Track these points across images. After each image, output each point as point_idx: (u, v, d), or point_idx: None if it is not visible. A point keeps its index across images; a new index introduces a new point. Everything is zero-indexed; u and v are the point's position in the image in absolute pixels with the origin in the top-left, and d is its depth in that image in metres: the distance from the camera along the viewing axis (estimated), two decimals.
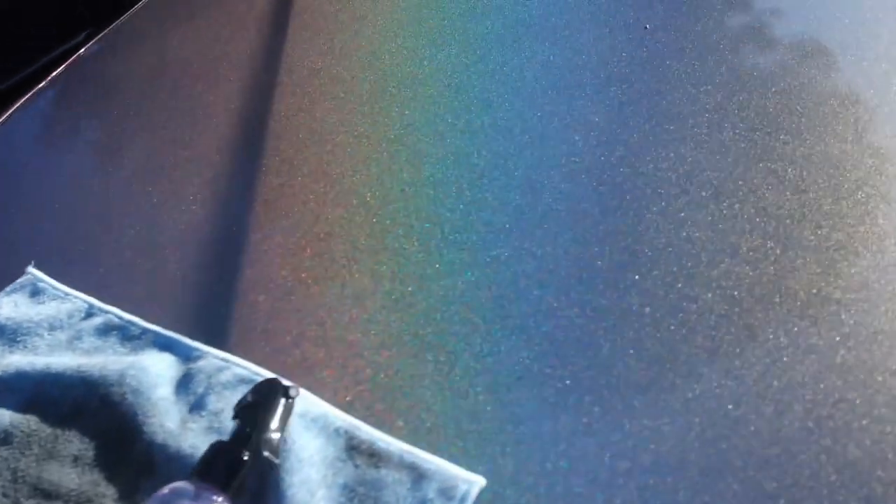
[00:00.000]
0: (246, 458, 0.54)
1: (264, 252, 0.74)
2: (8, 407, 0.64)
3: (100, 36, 1.21)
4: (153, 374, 0.63)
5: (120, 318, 0.70)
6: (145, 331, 0.68)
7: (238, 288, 0.71)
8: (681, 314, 0.60)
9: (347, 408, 0.59)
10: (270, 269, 0.72)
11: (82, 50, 1.19)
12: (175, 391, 0.63)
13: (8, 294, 0.74)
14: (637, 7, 0.97)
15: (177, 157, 0.89)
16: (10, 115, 1.08)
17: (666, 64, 0.86)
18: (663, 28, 0.93)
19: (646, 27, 0.93)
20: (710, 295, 0.61)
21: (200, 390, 0.62)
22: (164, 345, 0.66)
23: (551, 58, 0.91)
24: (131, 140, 0.97)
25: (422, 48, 0.97)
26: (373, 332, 0.64)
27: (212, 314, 0.69)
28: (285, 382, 0.59)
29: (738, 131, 0.76)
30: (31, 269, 0.76)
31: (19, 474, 0.59)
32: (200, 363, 0.64)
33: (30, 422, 0.63)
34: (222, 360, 0.64)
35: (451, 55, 0.94)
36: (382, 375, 0.61)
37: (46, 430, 0.62)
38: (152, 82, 1.06)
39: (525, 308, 0.63)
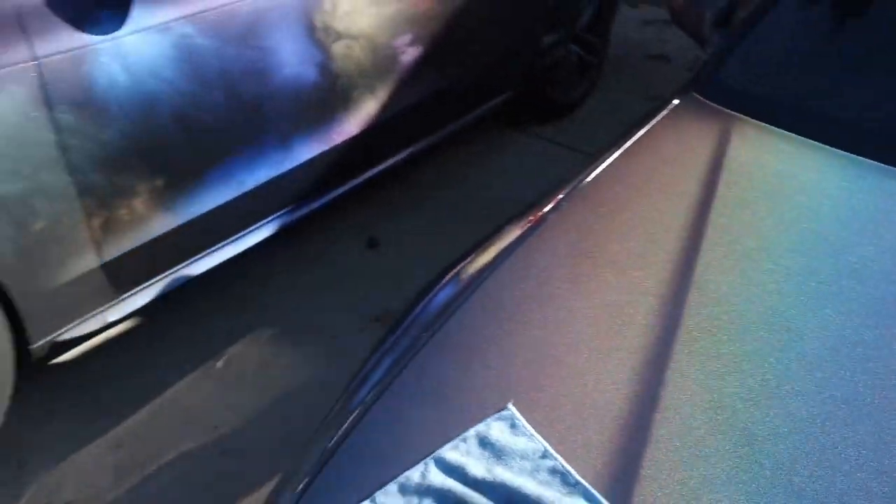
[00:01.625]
0: None
1: (678, 449, 1.08)
2: None
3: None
4: None
5: (563, 465, 1.11)
6: (577, 483, 1.08)
7: (660, 466, 1.06)
8: None
9: None
10: (675, 467, 1.06)
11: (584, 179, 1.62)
12: None
13: (496, 420, 1.20)
14: None
15: (619, 322, 1.25)
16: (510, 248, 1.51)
17: None
18: None
19: None
20: None
21: None
22: (591, 500, 1.06)
23: None
24: (587, 299, 1.36)
25: (802, 302, 1.21)
26: None
27: (630, 483, 1.06)
28: None
29: None
30: (511, 406, 1.21)
31: None
32: None
33: None
34: None
35: (833, 315, 1.18)
36: None
37: None
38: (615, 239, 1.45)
39: None
